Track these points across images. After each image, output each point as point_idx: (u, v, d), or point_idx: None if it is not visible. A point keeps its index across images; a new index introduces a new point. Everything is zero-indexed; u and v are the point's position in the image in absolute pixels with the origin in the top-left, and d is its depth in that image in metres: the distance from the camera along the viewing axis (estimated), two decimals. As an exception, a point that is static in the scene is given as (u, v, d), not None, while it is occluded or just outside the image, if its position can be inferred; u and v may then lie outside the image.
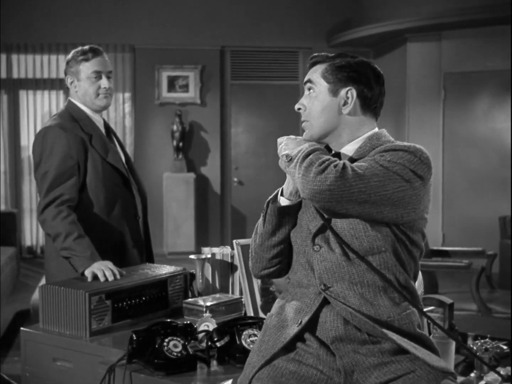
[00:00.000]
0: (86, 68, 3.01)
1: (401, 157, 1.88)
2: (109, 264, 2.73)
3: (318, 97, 2.00)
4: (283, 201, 2.00)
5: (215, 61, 9.05)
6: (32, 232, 8.92)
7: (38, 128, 8.75)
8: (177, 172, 8.83)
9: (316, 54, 2.10)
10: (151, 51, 8.89)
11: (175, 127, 8.84)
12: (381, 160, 1.87)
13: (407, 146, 1.92)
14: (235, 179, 9.26)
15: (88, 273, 2.70)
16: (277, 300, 2.09)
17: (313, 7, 9.10)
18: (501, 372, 2.22)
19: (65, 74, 3.09)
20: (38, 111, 8.85)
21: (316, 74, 2.02)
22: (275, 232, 2.02)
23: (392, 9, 8.06)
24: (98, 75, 3.02)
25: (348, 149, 1.99)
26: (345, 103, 1.99)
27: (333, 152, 2.02)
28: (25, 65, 8.75)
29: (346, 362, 1.87)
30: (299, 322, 1.92)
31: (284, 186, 2.01)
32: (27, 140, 8.85)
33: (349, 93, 1.99)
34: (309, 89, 2.03)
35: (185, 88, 8.99)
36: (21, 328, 2.59)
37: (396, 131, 8.60)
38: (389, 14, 8.02)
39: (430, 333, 2.26)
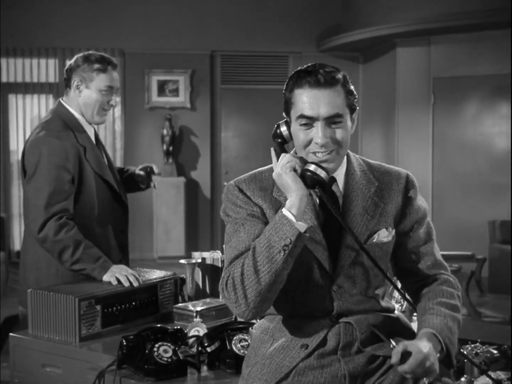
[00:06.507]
0: (101, 80, 2.85)
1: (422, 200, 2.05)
2: (126, 268, 2.70)
3: (346, 127, 1.86)
4: (302, 226, 1.79)
5: (205, 66, 9.06)
6: (21, 237, 8.86)
7: (28, 132, 8.71)
8: (167, 177, 8.81)
9: (327, 71, 1.84)
10: (141, 55, 8.88)
11: (165, 132, 8.83)
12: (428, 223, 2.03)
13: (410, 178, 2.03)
14: (225, 184, 9.24)
15: (110, 278, 2.65)
16: (271, 319, 1.98)
17: (303, 12, 9.12)
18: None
19: (71, 73, 2.88)
20: (27, 115, 8.82)
21: (341, 105, 1.84)
22: (289, 267, 1.82)
23: (382, 14, 8.09)
24: (110, 90, 2.89)
25: (339, 174, 1.94)
26: (352, 126, 1.92)
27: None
28: (15, 69, 8.73)
29: (352, 367, 1.85)
30: (306, 346, 1.88)
31: (294, 209, 1.79)
32: (16, 144, 8.82)
33: (356, 116, 1.92)
34: (337, 122, 1.84)
35: (175, 92, 8.99)
36: (10, 334, 2.57)
37: (385, 135, 8.63)
38: (379, 19, 8.05)
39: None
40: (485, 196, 7.85)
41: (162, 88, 8.97)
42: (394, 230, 1.95)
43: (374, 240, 1.91)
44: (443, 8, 7.50)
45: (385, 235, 1.93)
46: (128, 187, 3.21)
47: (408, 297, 1.98)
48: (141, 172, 3.22)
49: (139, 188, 3.27)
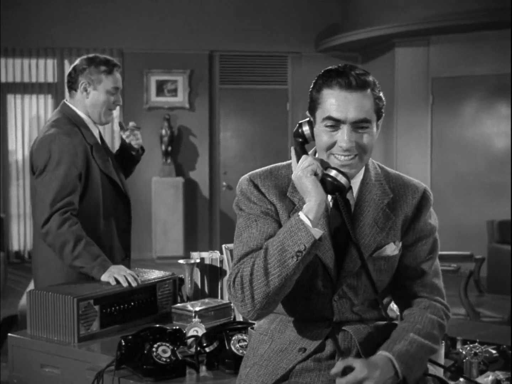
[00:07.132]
0: (109, 81, 2.96)
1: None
2: (124, 268, 2.71)
3: (372, 133, 1.83)
4: (318, 232, 1.75)
5: (204, 66, 9.06)
6: (19, 237, 8.87)
7: (26, 133, 8.72)
8: (165, 177, 8.81)
9: (358, 73, 1.81)
10: (140, 55, 8.88)
11: (163, 132, 8.83)
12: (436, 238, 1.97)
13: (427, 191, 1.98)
14: (224, 184, 9.26)
15: (108, 278, 2.66)
16: (271, 320, 1.97)
17: (302, 12, 9.12)
18: (490, 377, 2.22)
19: (77, 75, 2.95)
20: (26, 115, 8.81)
21: (370, 110, 1.81)
22: (300, 272, 1.78)
23: (381, 14, 8.09)
24: (116, 91, 3.00)
25: (355, 182, 1.91)
26: (377, 133, 1.89)
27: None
28: (13, 69, 8.72)
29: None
30: (303, 349, 1.86)
31: (311, 214, 1.76)
32: (14, 144, 8.82)
33: (381, 122, 1.89)
34: (363, 127, 1.80)
35: (174, 92, 8.99)
36: (9, 334, 2.57)
37: (384, 136, 8.62)
38: (378, 19, 8.05)
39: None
40: (484, 196, 7.85)
41: (160, 88, 8.96)
42: (401, 243, 1.92)
43: (381, 254, 1.88)
44: (443, 8, 7.50)
45: (392, 249, 1.89)
46: (125, 166, 3.24)
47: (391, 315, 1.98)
48: (127, 131, 3.25)
49: (133, 158, 3.27)
